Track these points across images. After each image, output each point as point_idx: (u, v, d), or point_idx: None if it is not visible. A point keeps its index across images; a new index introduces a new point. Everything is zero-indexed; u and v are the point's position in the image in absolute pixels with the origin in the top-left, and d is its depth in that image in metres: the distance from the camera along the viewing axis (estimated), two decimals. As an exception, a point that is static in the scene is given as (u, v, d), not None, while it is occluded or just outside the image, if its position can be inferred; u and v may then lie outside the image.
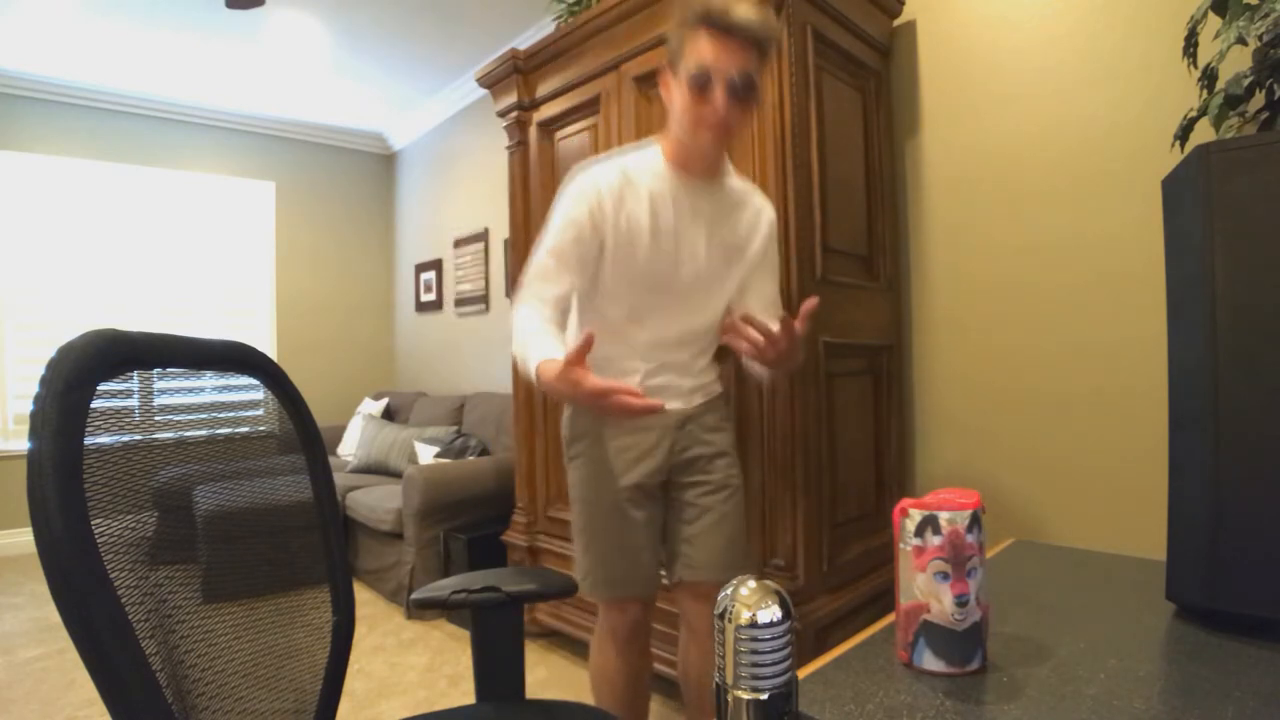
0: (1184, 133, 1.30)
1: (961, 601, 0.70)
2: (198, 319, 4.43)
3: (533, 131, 2.35)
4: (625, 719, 1.38)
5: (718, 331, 1.38)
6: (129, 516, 0.56)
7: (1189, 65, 1.30)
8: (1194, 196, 0.81)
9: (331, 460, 1.61)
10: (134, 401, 0.62)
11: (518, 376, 2.41)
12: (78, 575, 0.48)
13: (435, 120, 4.60)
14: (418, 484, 2.83)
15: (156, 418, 0.67)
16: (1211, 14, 1.22)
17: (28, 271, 3.93)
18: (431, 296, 4.67)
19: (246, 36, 3.52)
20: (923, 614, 0.72)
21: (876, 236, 1.98)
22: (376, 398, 4.54)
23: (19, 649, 2.51)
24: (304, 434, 0.88)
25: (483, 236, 4.10)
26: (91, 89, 4.07)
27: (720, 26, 1.15)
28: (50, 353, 0.54)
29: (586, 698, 1.48)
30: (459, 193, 4.40)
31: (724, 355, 1.47)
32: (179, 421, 0.72)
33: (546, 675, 2.22)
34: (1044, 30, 1.80)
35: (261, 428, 0.85)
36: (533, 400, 2.36)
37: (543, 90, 2.30)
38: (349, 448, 4.12)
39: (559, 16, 2.39)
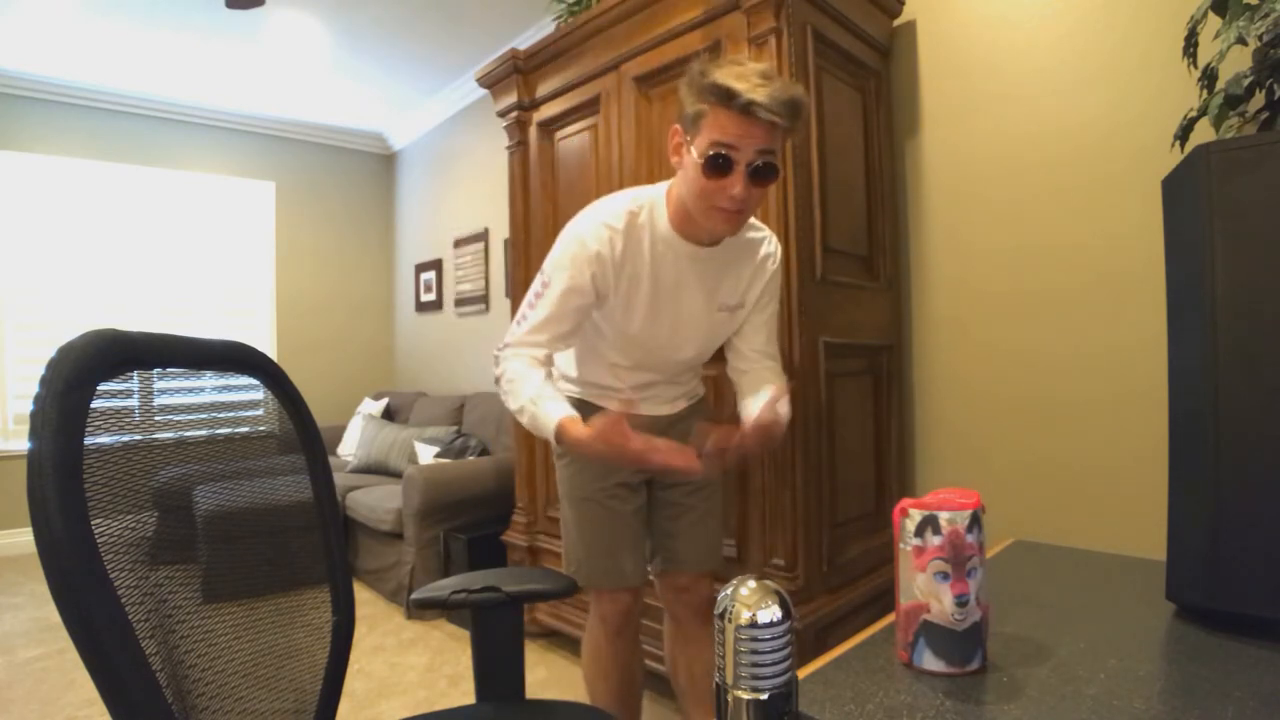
0: (1184, 133, 1.30)
1: (961, 601, 0.70)
2: (198, 319, 4.42)
3: (533, 131, 2.35)
4: (619, 708, 1.43)
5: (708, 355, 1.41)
6: (129, 516, 0.56)
7: (1189, 65, 1.30)
8: (1194, 196, 0.81)
9: (331, 460, 1.61)
10: (134, 401, 0.62)
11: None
12: (78, 575, 0.48)
13: (435, 120, 4.60)
14: (418, 484, 2.83)
15: (156, 418, 0.67)
16: (1211, 14, 1.22)
17: (28, 271, 3.92)
18: (431, 296, 4.67)
19: (246, 36, 3.52)
20: (923, 614, 0.72)
21: (876, 236, 1.98)
22: (376, 398, 4.54)
23: (19, 649, 2.51)
24: (304, 434, 0.88)
25: (483, 236, 4.10)
26: (91, 89, 4.07)
27: (744, 110, 1.03)
28: (50, 353, 0.54)
29: (586, 697, 1.48)
30: (459, 193, 4.40)
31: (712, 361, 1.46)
32: (179, 421, 0.72)
33: (546, 675, 2.22)
34: (1044, 30, 1.80)
35: (261, 428, 0.85)
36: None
37: (543, 90, 2.30)
38: (349, 448, 4.12)
39: (559, 16, 2.39)
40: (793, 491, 1.64)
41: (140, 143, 4.29)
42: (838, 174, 1.81)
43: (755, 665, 0.44)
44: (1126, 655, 0.74)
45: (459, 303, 4.34)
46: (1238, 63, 1.27)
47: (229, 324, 4.57)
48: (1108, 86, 1.69)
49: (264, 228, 4.73)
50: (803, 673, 0.74)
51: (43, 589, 2.99)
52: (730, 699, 0.45)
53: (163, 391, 0.68)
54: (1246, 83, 1.18)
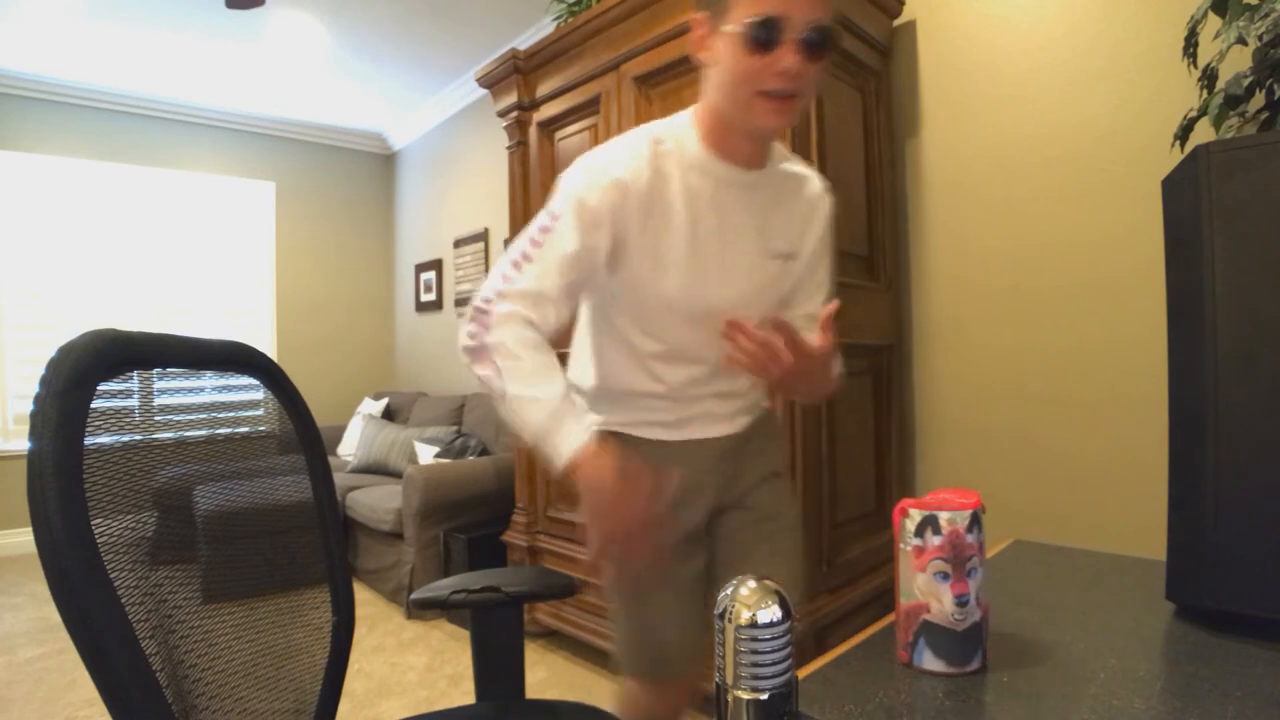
0: (1184, 133, 1.31)
1: (961, 601, 0.70)
2: (198, 319, 4.42)
3: (533, 131, 2.35)
4: None
5: None
6: (129, 516, 0.56)
7: (1189, 65, 1.30)
8: (1194, 196, 0.81)
9: (331, 460, 1.61)
10: (134, 401, 0.62)
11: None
12: (78, 575, 0.48)
13: (435, 120, 4.60)
14: (418, 484, 2.83)
15: (156, 418, 0.67)
16: (1211, 14, 1.22)
17: (28, 271, 3.92)
18: (431, 296, 4.67)
19: (246, 36, 3.52)
20: (923, 614, 0.72)
21: (876, 236, 1.98)
22: (376, 398, 4.54)
23: (19, 649, 2.51)
24: (304, 434, 0.88)
25: (483, 236, 4.10)
26: (91, 89, 4.07)
27: None
28: (50, 353, 0.54)
29: (586, 698, 1.48)
30: (459, 193, 4.40)
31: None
32: (179, 421, 0.72)
33: (546, 675, 2.22)
34: (1044, 30, 1.80)
35: (261, 428, 0.85)
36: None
37: (543, 90, 2.30)
38: (349, 448, 4.12)
39: (559, 16, 2.39)
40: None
41: (140, 143, 4.29)
42: (838, 174, 1.81)
43: (755, 665, 0.44)
44: (1126, 655, 0.74)
45: (459, 303, 4.34)
46: (1238, 63, 1.27)
47: (229, 324, 4.57)
48: (1108, 86, 1.69)
49: (264, 228, 4.73)
50: (803, 673, 0.74)
51: (43, 589, 2.99)
52: (730, 699, 0.45)
53: (163, 391, 0.68)
54: (1246, 83, 1.18)
